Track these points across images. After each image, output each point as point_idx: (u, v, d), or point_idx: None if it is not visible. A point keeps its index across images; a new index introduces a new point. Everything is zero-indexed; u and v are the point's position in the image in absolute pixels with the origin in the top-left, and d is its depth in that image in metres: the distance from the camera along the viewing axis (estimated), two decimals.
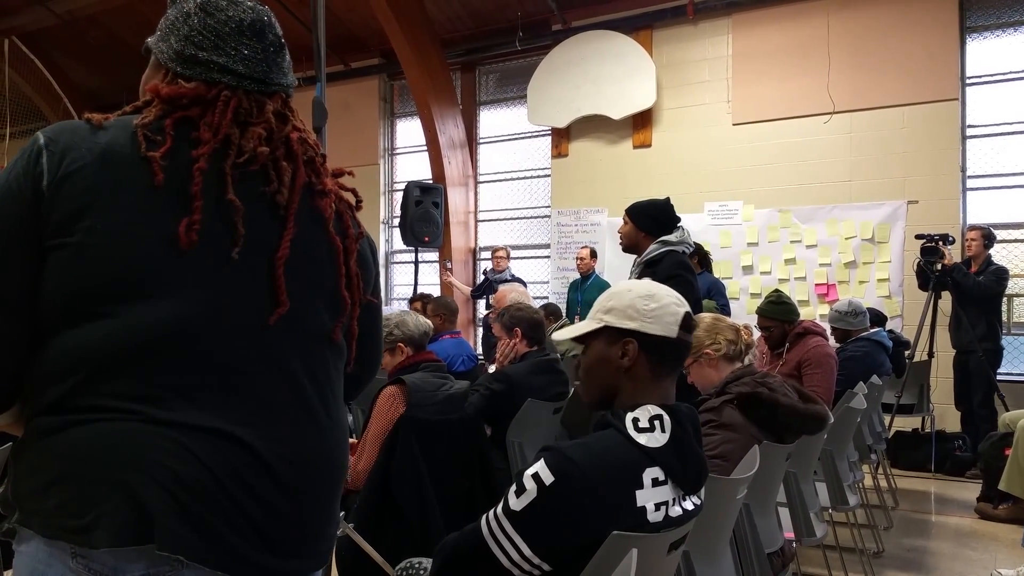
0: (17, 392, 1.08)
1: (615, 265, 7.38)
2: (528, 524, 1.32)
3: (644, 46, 7.49)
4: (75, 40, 9.24)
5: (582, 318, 6.54)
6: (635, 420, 1.41)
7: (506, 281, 6.93)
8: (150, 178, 1.03)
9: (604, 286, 6.80)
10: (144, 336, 1.00)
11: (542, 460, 1.35)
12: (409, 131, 9.15)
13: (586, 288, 6.89)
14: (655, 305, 1.46)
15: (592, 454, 1.37)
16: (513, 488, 1.36)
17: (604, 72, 7.56)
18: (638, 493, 1.36)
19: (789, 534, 2.58)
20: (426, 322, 3.30)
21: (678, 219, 3.51)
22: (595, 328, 1.50)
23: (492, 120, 8.79)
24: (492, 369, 3.65)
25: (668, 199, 3.53)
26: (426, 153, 8.27)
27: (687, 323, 1.48)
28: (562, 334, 1.62)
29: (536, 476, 1.33)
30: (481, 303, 8.21)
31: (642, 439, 1.39)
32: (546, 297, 7.85)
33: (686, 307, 1.50)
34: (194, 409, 1.01)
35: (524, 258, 8.41)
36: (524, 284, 7.05)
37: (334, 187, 1.24)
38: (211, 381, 1.03)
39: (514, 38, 7.97)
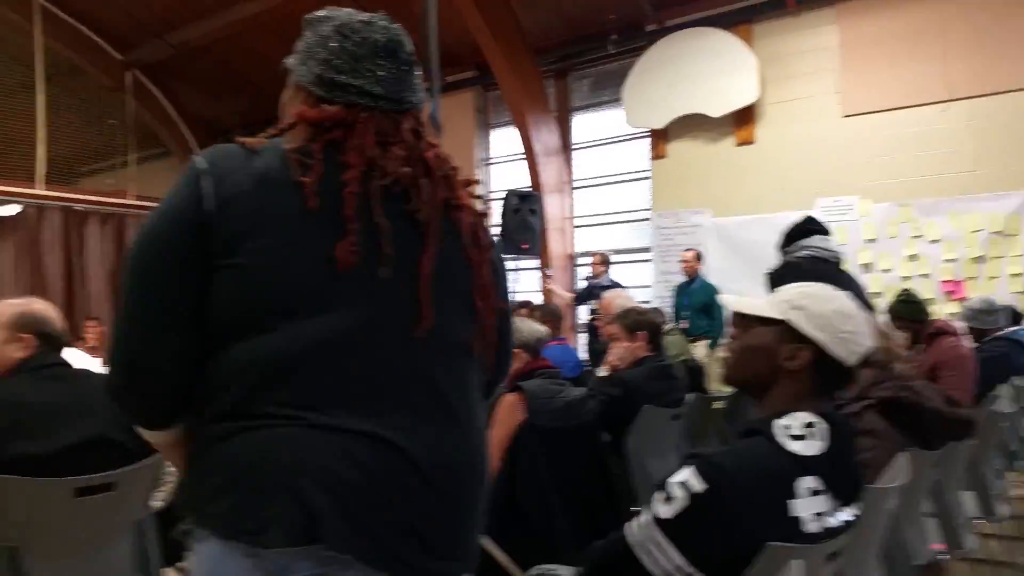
0: (184, 406, 1.14)
1: (720, 267, 7.21)
2: (680, 532, 1.30)
3: (744, 40, 7.30)
4: (189, 69, 9.75)
5: (690, 322, 6.45)
6: (786, 427, 1.36)
7: (606, 287, 6.88)
8: (304, 202, 1.08)
9: (710, 289, 6.65)
10: (305, 349, 1.06)
11: (691, 468, 1.32)
12: (504, 140, 9.23)
13: (691, 291, 6.76)
14: (850, 328, 1.40)
15: (742, 462, 1.33)
16: (659, 496, 1.34)
17: (702, 69, 7.41)
18: (791, 503, 1.31)
19: (936, 546, 2.44)
20: (540, 328, 3.30)
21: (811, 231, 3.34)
22: (773, 316, 1.44)
23: (587, 125, 8.75)
24: (601, 373, 3.61)
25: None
26: (520, 161, 8.31)
27: (866, 357, 1.43)
28: (737, 303, 1.55)
29: (685, 484, 1.31)
30: (582, 309, 8.15)
31: (795, 447, 1.34)
32: (648, 302, 7.74)
33: (871, 342, 1.45)
34: (352, 415, 1.07)
35: (624, 263, 8.32)
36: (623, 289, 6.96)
37: (467, 199, 1.26)
38: (365, 390, 1.09)
39: (606, 42, 7.91)
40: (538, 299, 7.56)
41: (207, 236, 1.07)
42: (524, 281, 8.32)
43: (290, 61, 1.27)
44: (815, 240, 3.27)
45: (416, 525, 1.08)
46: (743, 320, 1.52)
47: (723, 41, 7.37)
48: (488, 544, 2.50)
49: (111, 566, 2.26)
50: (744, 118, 7.38)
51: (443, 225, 1.18)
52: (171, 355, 1.10)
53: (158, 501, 2.44)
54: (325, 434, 1.05)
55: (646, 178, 8.22)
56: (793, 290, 1.48)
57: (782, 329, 1.42)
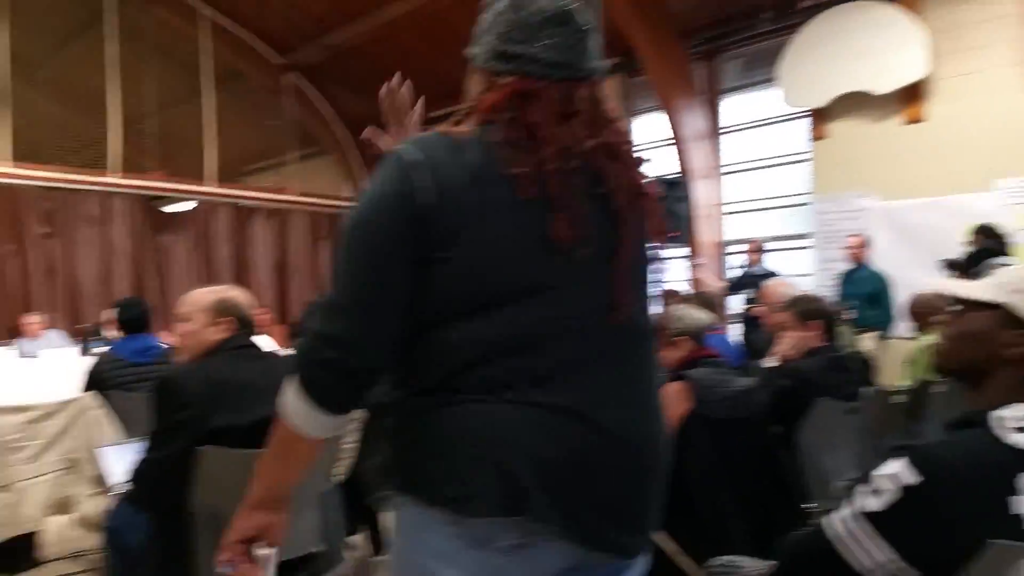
0: (371, 387, 1.17)
1: (888, 254, 6.76)
2: (890, 525, 1.23)
3: (911, 11, 6.80)
4: (342, 70, 10.18)
5: (859, 312, 6.09)
6: (1007, 419, 1.25)
7: (762, 276, 6.61)
8: (513, 192, 1.12)
9: (878, 277, 6.27)
10: (515, 332, 1.12)
11: (902, 460, 1.24)
12: (649, 127, 9.05)
13: (857, 279, 6.38)
14: None
15: (959, 455, 1.23)
16: (863, 489, 1.27)
17: (865, 45, 6.96)
18: (1013, 500, 1.20)
19: None
20: (704, 316, 3.21)
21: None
22: (990, 300, 1.34)
23: (737, 108, 8.44)
24: (769, 363, 3.47)
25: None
26: (667, 148, 8.12)
27: None
28: (952, 287, 1.46)
29: (896, 476, 1.23)
30: (735, 299, 7.88)
31: (1018, 440, 1.22)
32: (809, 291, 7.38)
33: None
34: (553, 392, 1.11)
35: (779, 250, 7.97)
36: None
37: (646, 182, 1.26)
38: (566, 370, 1.13)
39: (756, 21, 7.60)
40: (688, 289, 7.38)
41: (424, 228, 1.10)
42: (672, 270, 8.15)
43: (469, 49, 1.29)
44: None
45: (611, 500, 1.13)
46: (957, 305, 1.42)
47: (887, 13, 6.89)
48: (658, 535, 2.48)
49: (298, 535, 2.39)
50: (912, 95, 6.87)
51: (634, 210, 1.21)
52: (390, 339, 1.14)
53: (339, 474, 2.57)
54: (529, 410, 1.10)
55: (804, 160, 7.83)
56: (1013, 273, 1.37)
57: (1001, 315, 1.32)
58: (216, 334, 2.43)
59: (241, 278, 10.34)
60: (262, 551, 1.25)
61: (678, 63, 7.94)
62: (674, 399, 2.91)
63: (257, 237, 10.68)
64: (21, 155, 8.76)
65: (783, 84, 7.54)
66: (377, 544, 3.54)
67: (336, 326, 1.13)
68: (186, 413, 2.16)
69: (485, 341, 1.11)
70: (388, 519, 3.36)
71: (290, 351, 3.00)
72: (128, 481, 2.26)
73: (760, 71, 8.15)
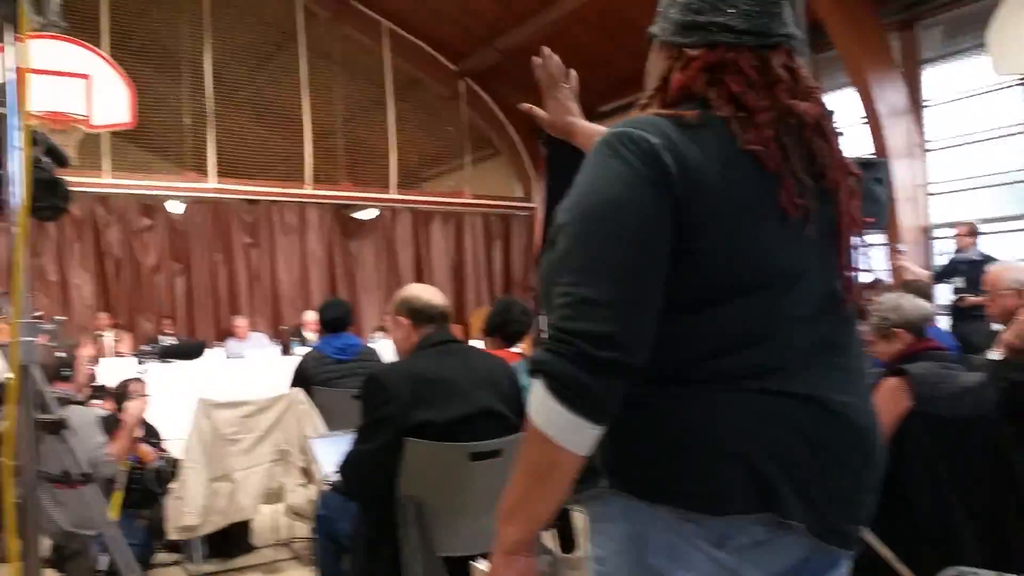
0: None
1: None
2: None
3: None
4: (515, 72, 10.31)
5: None
6: None
7: (977, 261, 5.98)
8: (754, 170, 1.06)
9: None
10: (753, 321, 1.06)
11: None
12: (840, 104, 8.45)
13: None
14: None
15: None
16: None
17: None
18: None
19: None
20: (924, 305, 2.90)
21: None
22: None
23: (941, 79, 7.69)
24: (995, 355, 3.09)
25: None
26: (860, 126, 7.55)
27: None
28: None
29: None
30: (943, 288, 7.19)
31: None
32: None
33: None
34: (790, 381, 1.06)
35: (995, 232, 7.18)
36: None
37: (847, 158, 1.18)
38: (800, 358, 1.07)
39: None
40: (887, 278, 6.82)
41: (677, 216, 1.03)
42: (871, 258, 7.56)
43: (651, 28, 1.22)
44: None
45: (844, 489, 1.07)
46: None
47: None
48: (871, 538, 2.28)
49: (490, 530, 2.39)
50: None
51: (846, 189, 1.13)
52: (652, 332, 1.03)
53: None
54: (769, 399, 1.04)
55: (1019, 134, 7.01)
56: None
57: None
58: (416, 334, 2.49)
59: (421, 280, 10.76)
60: None
61: (871, 33, 7.36)
62: (890, 396, 2.65)
63: (436, 240, 11.08)
64: (225, 172, 9.59)
65: (992, 51, 6.78)
66: (566, 541, 3.50)
67: (608, 323, 0.99)
68: (390, 408, 2.22)
69: (725, 331, 1.05)
70: (579, 518, 3.34)
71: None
72: (338, 471, 2.34)
73: (965, 37, 7.39)
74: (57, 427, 1.94)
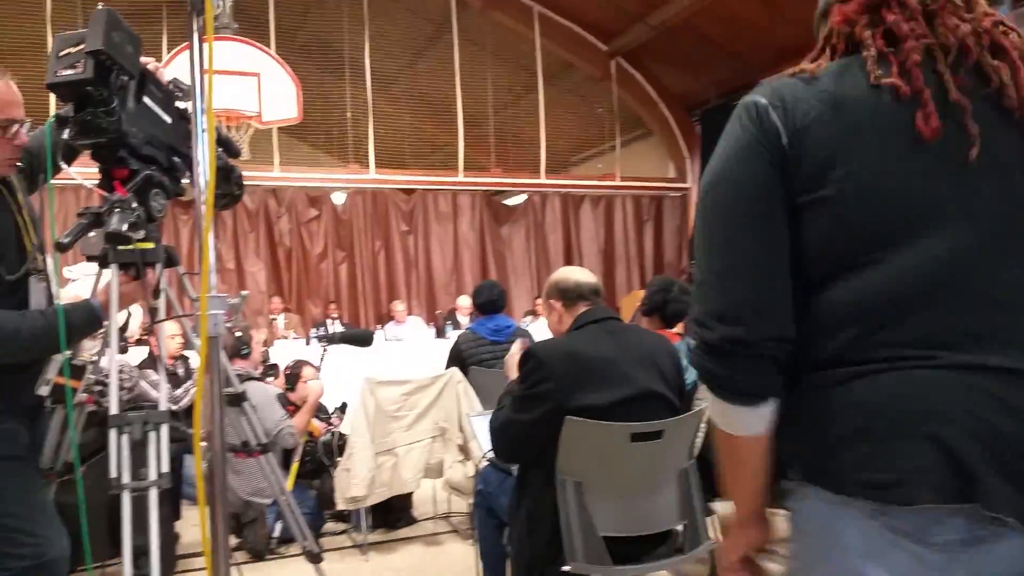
0: (783, 360, 1.01)
1: None
2: None
3: None
4: (667, 48, 10.05)
5: None
6: None
7: None
8: (886, 105, 0.97)
9: None
10: (918, 278, 0.94)
11: None
12: None
13: None
14: None
15: None
16: None
17: None
18: None
19: None
20: None
21: None
22: None
23: None
24: None
25: None
26: None
27: None
28: None
29: None
30: None
31: None
32: None
33: None
34: (988, 350, 0.92)
35: None
36: None
37: None
38: (998, 319, 0.93)
39: None
40: None
41: (787, 173, 0.99)
42: None
43: None
44: None
45: None
46: None
47: None
48: None
49: (659, 508, 2.32)
50: None
51: None
52: (785, 301, 0.99)
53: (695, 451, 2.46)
54: (962, 374, 0.91)
55: None
56: None
57: None
58: (571, 313, 2.45)
59: (570, 264, 10.70)
60: (767, 563, 1.15)
61: None
62: None
63: (585, 224, 11.03)
64: (383, 162, 9.97)
65: None
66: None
67: (717, 301, 1.01)
68: (547, 385, 2.19)
69: (886, 293, 0.95)
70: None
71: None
72: (494, 436, 2.35)
73: None
74: (239, 400, 2.05)
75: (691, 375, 2.86)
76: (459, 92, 10.21)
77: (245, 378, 3.93)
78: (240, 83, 7.53)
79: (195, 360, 5.04)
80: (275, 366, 5.00)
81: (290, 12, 9.77)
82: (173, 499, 3.74)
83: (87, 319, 1.78)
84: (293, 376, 4.34)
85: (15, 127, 1.77)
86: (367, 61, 9.88)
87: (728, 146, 1.04)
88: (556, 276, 2.57)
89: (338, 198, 10.23)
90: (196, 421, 1.64)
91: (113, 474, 1.60)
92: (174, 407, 3.85)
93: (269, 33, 9.17)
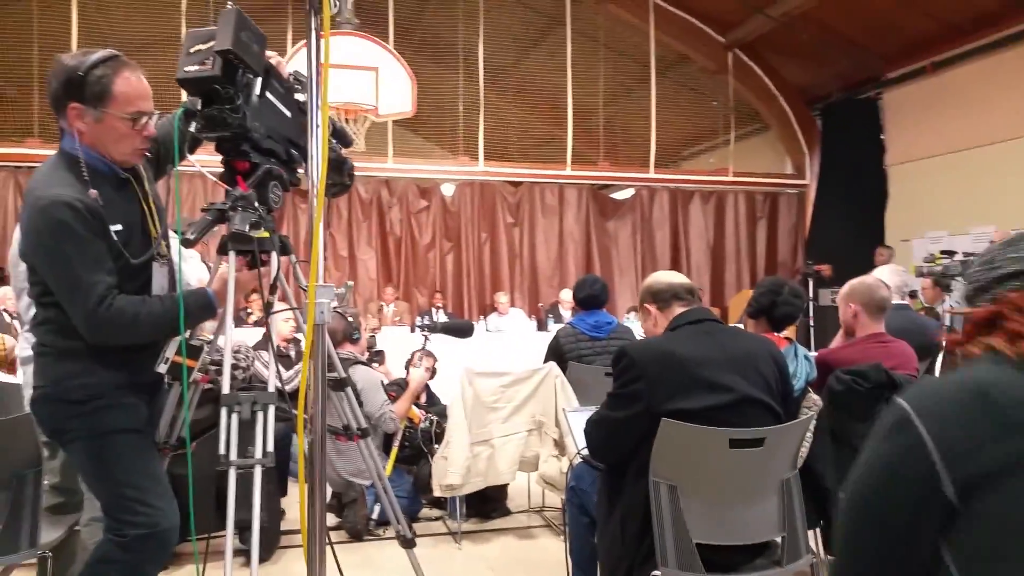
0: None
1: None
2: None
3: None
4: (787, 40, 9.69)
5: None
6: None
7: None
8: None
9: None
10: None
11: None
12: None
13: None
14: None
15: None
16: None
17: None
18: None
19: None
20: None
21: None
22: None
23: None
24: None
25: None
26: None
27: None
28: None
29: None
30: None
31: None
32: None
33: None
34: None
35: None
36: None
37: None
38: None
39: None
40: None
41: (938, 488, 0.95)
42: None
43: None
44: None
45: None
46: None
47: None
48: None
49: (757, 518, 2.25)
50: None
51: None
52: None
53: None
54: None
55: None
56: None
57: None
58: (663, 317, 2.42)
59: (677, 261, 10.57)
60: None
61: None
62: None
63: (694, 220, 10.80)
64: (491, 155, 10.07)
65: None
66: (828, 541, 3.23)
67: None
68: (638, 386, 2.16)
69: None
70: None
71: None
72: (587, 434, 2.35)
73: None
74: (342, 385, 2.13)
75: (798, 381, 2.76)
76: (570, 85, 10.18)
77: (352, 362, 4.07)
78: (359, 77, 7.77)
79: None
80: (381, 352, 5.15)
81: (408, 8, 10.00)
82: (280, 477, 3.92)
83: (202, 305, 1.90)
84: (407, 364, 4.48)
85: (144, 119, 1.89)
86: (480, 55, 9.99)
87: (881, 460, 1.03)
88: (647, 281, 2.57)
89: (447, 190, 10.41)
90: (300, 404, 1.72)
91: (222, 451, 1.70)
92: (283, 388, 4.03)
93: (388, 29, 9.40)
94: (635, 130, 10.65)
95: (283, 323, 4.91)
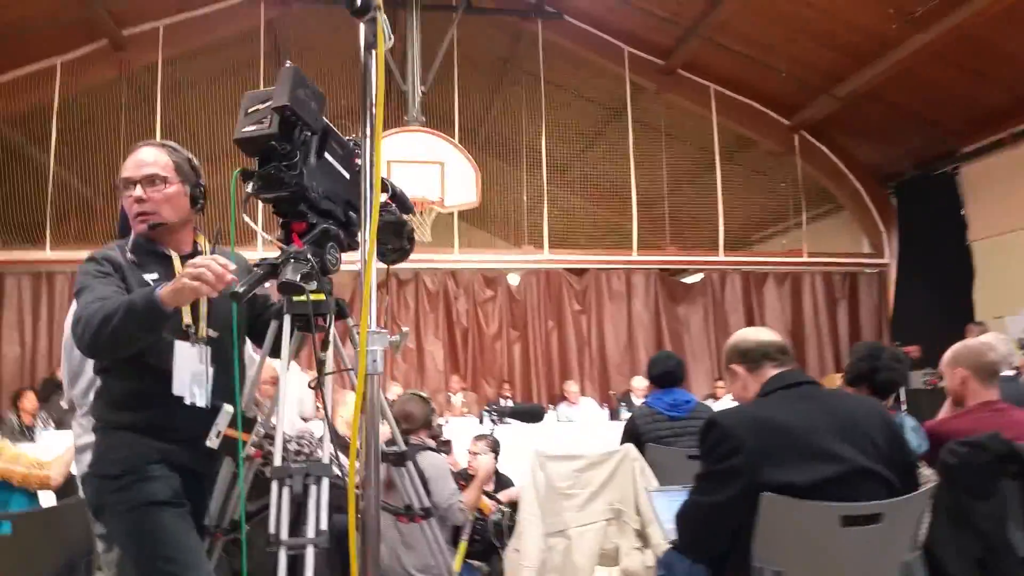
0: None
1: None
2: None
3: None
4: (855, 119, 9.54)
5: None
6: None
7: None
8: None
9: None
10: None
11: None
12: None
13: None
14: None
15: None
16: None
17: None
18: None
19: None
20: None
21: None
22: None
23: None
24: None
25: None
26: None
27: None
28: None
29: None
30: None
31: None
32: None
33: None
34: None
35: None
36: None
37: None
38: None
39: None
40: None
41: None
42: None
43: None
44: None
45: None
46: None
47: None
48: None
49: None
50: None
51: None
52: None
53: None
54: None
55: None
56: None
57: None
58: (754, 380, 2.20)
59: None
60: None
61: None
62: None
63: (769, 302, 10.49)
64: (556, 244, 10.05)
65: None
66: None
67: None
68: (737, 460, 1.93)
69: None
70: None
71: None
72: (678, 524, 2.10)
73: None
74: (402, 459, 1.96)
75: (915, 446, 2.47)
76: (633, 173, 10.20)
77: (421, 448, 3.89)
78: (426, 171, 7.94)
79: None
80: (448, 442, 4.96)
81: (472, 108, 10.38)
82: (344, 559, 3.69)
83: (142, 303, 1.68)
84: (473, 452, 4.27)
85: (130, 188, 1.94)
86: (543, 149, 10.13)
87: None
88: (734, 338, 2.32)
89: (513, 279, 10.38)
90: (351, 462, 1.52)
91: (271, 529, 1.53)
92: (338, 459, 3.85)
93: (454, 128, 9.65)
94: (702, 215, 10.53)
95: (344, 408, 4.78)
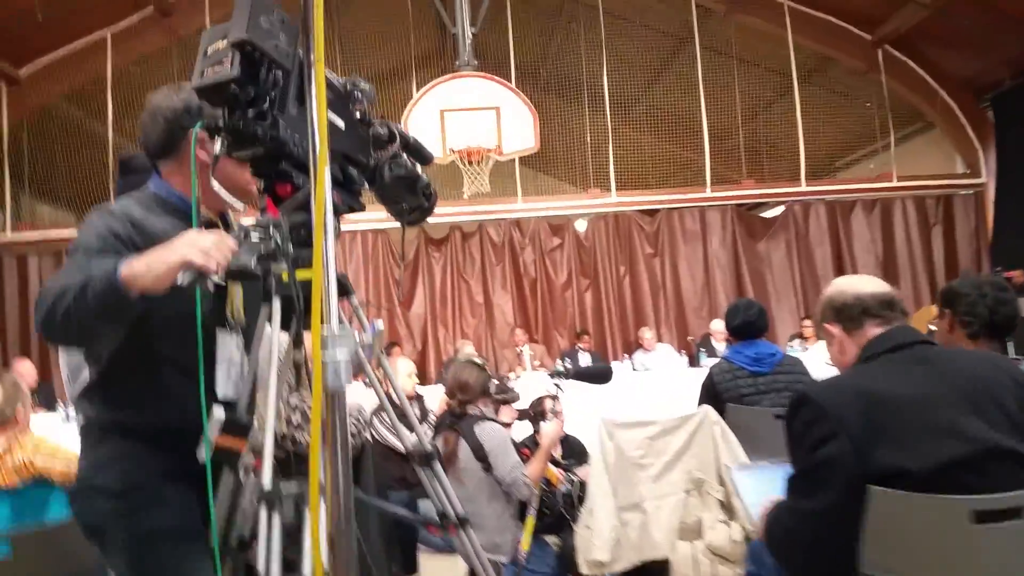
0: None
1: None
2: None
3: None
4: (945, 28, 8.64)
5: None
6: None
7: None
8: None
9: None
10: None
11: None
12: None
13: None
14: None
15: None
16: None
17: None
18: None
19: None
20: None
21: None
22: None
23: None
24: None
25: None
26: None
27: None
28: None
29: None
30: None
31: None
32: None
33: None
34: None
35: None
36: None
37: None
38: None
39: None
40: None
41: None
42: None
43: None
44: None
45: None
46: None
47: None
48: None
49: None
50: None
51: None
52: None
53: None
54: None
55: None
56: None
57: None
58: (853, 340, 1.79)
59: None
60: None
61: None
62: None
63: (858, 231, 9.79)
64: (623, 186, 9.55)
65: None
66: None
67: None
68: (837, 446, 1.55)
69: None
70: None
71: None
72: (769, 534, 1.73)
73: None
74: (428, 460, 1.65)
75: None
76: (703, 105, 9.60)
77: (479, 418, 3.60)
78: (480, 118, 7.56)
79: (432, 398, 4.88)
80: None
81: (529, 48, 9.85)
82: (404, 551, 3.49)
83: (102, 280, 1.39)
84: (537, 415, 3.95)
85: None
86: (605, 85, 9.60)
87: None
88: (829, 291, 1.91)
89: (580, 225, 9.98)
90: (313, 466, 1.16)
91: (260, 567, 1.24)
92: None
93: (510, 70, 9.20)
94: (781, 144, 9.85)
95: (405, 377, 4.54)
